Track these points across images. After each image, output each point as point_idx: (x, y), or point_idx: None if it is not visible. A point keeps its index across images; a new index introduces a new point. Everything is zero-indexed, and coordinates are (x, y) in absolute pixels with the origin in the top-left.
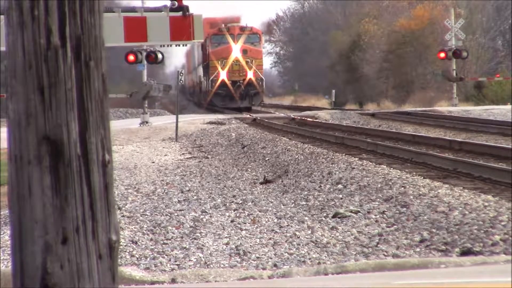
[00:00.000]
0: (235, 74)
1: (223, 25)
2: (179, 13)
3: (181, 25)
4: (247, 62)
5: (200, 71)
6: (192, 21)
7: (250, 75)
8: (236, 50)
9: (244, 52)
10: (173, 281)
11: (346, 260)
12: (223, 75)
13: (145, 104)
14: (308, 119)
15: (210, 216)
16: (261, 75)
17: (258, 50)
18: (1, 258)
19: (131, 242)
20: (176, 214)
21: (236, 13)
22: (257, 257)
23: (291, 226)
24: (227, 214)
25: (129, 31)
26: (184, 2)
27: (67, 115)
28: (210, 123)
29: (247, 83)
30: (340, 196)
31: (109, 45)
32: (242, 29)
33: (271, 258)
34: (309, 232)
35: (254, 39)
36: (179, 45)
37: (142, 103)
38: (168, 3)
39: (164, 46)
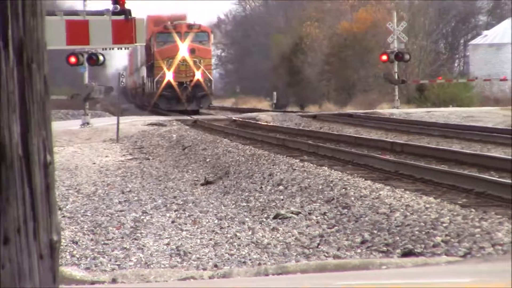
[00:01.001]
0: (182, 74)
1: (169, 23)
2: (122, 17)
3: (124, 29)
4: (194, 62)
5: (144, 71)
6: (134, 25)
7: (198, 76)
8: (183, 49)
9: (192, 51)
10: (114, 281)
11: (287, 261)
12: (169, 76)
13: (86, 106)
14: (249, 121)
15: (151, 217)
16: (210, 76)
17: (207, 49)
18: None
19: (71, 242)
20: (116, 214)
21: (182, 12)
22: (198, 258)
23: (232, 227)
24: (168, 215)
25: (71, 34)
26: (128, 2)
27: (9, 117)
28: (151, 124)
29: (195, 84)
30: (281, 197)
31: (51, 48)
32: (190, 26)
33: (211, 259)
34: (250, 233)
35: (203, 38)
36: (121, 48)
37: (83, 104)
38: (111, 7)
39: (106, 49)
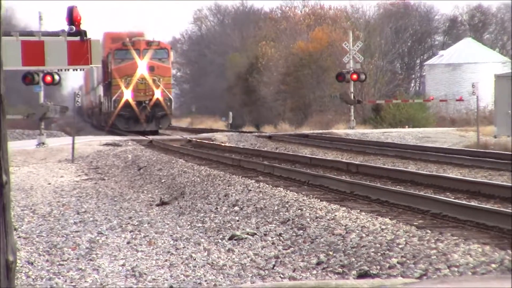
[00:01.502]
0: (141, 93)
1: (127, 39)
2: (77, 38)
3: (79, 50)
4: (154, 80)
5: (100, 90)
6: (89, 46)
7: (157, 94)
8: (142, 66)
9: (151, 69)
10: None
11: (242, 282)
12: (127, 95)
13: (42, 126)
14: (205, 141)
15: (106, 238)
16: (169, 95)
17: (167, 67)
18: None
19: (27, 263)
20: (72, 235)
21: (140, 29)
22: (153, 279)
23: (188, 248)
24: (123, 235)
25: (27, 55)
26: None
27: None
28: (107, 144)
29: (154, 103)
30: (237, 218)
31: (7, 69)
32: (149, 43)
33: (167, 280)
34: (206, 254)
35: (162, 55)
36: (76, 70)
37: (38, 124)
38: (66, 28)
39: (61, 70)
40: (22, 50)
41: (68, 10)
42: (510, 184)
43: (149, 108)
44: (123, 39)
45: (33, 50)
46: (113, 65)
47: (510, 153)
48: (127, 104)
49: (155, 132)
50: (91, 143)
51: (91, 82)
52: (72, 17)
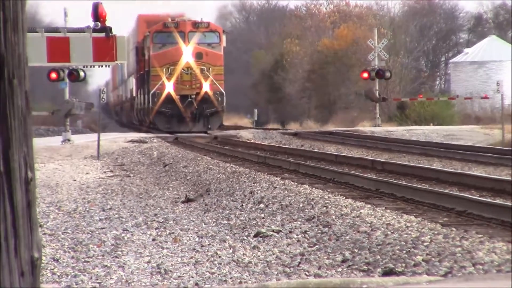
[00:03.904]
0: (186, 86)
1: (169, 19)
2: (102, 34)
3: (104, 46)
4: (202, 70)
5: (132, 83)
6: (115, 42)
7: (206, 87)
8: (187, 53)
9: (199, 56)
10: None
11: (267, 279)
12: (169, 88)
13: (67, 122)
14: (230, 138)
15: (132, 235)
16: (221, 88)
17: (218, 54)
18: None
19: (52, 260)
20: (97, 232)
21: (179, 11)
22: (179, 276)
23: (213, 245)
24: (149, 232)
25: (52, 51)
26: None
27: None
28: (132, 141)
29: (202, 98)
30: (262, 215)
31: (32, 65)
32: (196, 25)
33: (192, 277)
34: (231, 251)
35: (212, 39)
36: (101, 66)
37: (64, 121)
38: (92, 24)
39: (87, 66)
40: (47, 46)
41: (94, 6)
42: None
43: (195, 104)
44: (161, 21)
45: (58, 46)
46: (152, 51)
47: None
48: (169, 98)
49: (205, 133)
50: (116, 140)
51: (119, 76)
52: (98, 13)
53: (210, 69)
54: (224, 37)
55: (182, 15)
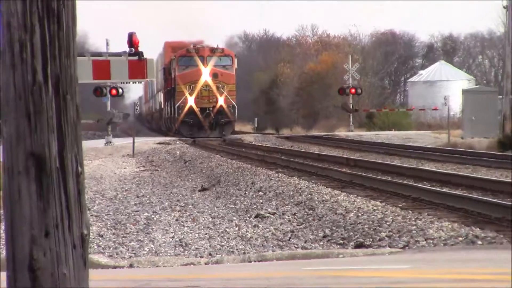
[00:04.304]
0: (205, 100)
1: (191, 46)
2: (136, 57)
3: (137, 67)
4: (217, 87)
5: (161, 97)
6: (146, 64)
7: (221, 101)
8: (206, 73)
9: (215, 76)
10: (131, 266)
11: (265, 251)
12: (191, 102)
13: (109, 128)
14: (236, 141)
15: (160, 216)
16: (233, 102)
17: (230, 74)
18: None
19: (98, 236)
20: (133, 214)
21: (199, 38)
22: (196, 248)
23: (223, 224)
24: (173, 214)
25: (96, 71)
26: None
27: (48, 136)
28: (159, 143)
29: (218, 110)
30: (261, 201)
31: (81, 83)
32: (213, 50)
33: (207, 249)
34: (237, 229)
35: (226, 62)
36: (135, 82)
37: (106, 127)
38: (127, 49)
39: (123, 83)
40: (93, 67)
41: (129, 36)
42: (474, 175)
43: (212, 115)
44: (184, 47)
45: (101, 67)
46: (177, 71)
47: (474, 150)
48: (191, 110)
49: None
50: (147, 142)
51: (150, 91)
52: (132, 41)
53: (224, 86)
54: (236, 60)
55: (201, 42)
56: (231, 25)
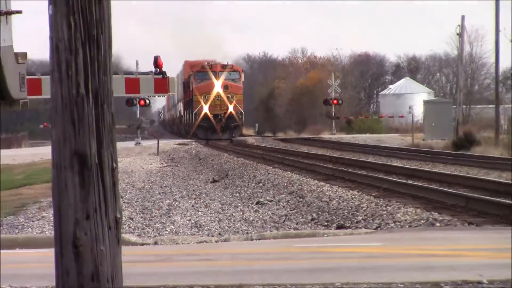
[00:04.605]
0: (217, 108)
1: (206, 63)
2: (160, 76)
3: (161, 84)
4: (228, 97)
5: (180, 106)
6: (168, 81)
7: (230, 109)
8: (218, 86)
9: (225, 87)
10: (155, 243)
11: (264, 231)
12: (206, 109)
13: (138, 132)
14: (241, 142)
15: (179, 203)
16: (241, 109)
17: (238, 86)
18: (47, 228)
19: (129, 219)
20: (157, 201)
21: (214, 58)
22: (208, 229)
23: (230, 209)
24: (189, 201)
25: (128, 86)
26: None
27: (89, 138)
28: (179, 144)
29: (228, 116)
30: (260, 190)
31: (115, 95)
32: (224, 66)
33: (217, 230)
34: (241, 213)
35: (235, 76)
36: (160, 96)
37: (136, 131)
38: (153, 70)
39: (150, 96)
40: (125, 83)
41: (154, 59)
42: (433, 170)
43: (224, 120)
44: (200, 65)
45: (132, 83)
46: (194, 84)
47: (433, 150)
48: (205, 116)
49: (230, 140)
50: (169, 143)
51: (171, 102)
52: (157, 63)
53: (234, 96)
54: (242, 75)
55: (214, 60)
56: (238, 47)
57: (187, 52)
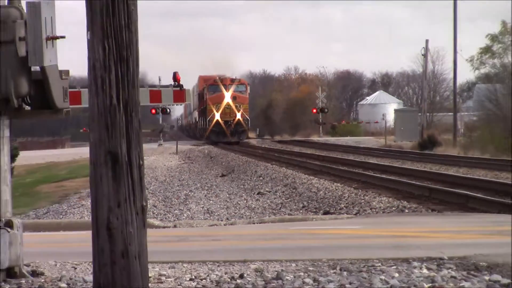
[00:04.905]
0: (227, 115)
1: (217, 78)
2: (178, 88)
3: (179, 94)
4: (236, 106)
5: (196, 114)
6: (184, 92)
7: (238, 116)
8: (227, 96)
9: (234, 98)
10: (175, 226)
11: (264, 216)
12: (217, 116)
13: (160, 135)
14: (245, 143)
15: (194, 193)
16: (247, 116)
17: (245, 97)
18: (86, 214)
19: (153, 206)
20: (176, 192)
21: (224, 73)
22: (218, 215)
23: (236, 199)
24: (203, 192)
25: (151, 97)
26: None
27: (120, 140)
28: (194, 145)
29: (236, 122)
30: (261, 183)
31: (141, 105)
32: (232, 80)
33: (225, 215)
34: (245, 201)
35: (242, 88)
36: (177, 104)
37: (159, 134)
38: (172, 83)
39: (170, 105)
40: (150, 94)
41: (173, 74)
42: (403, 166)
43: (232, 126)
44: (212, 79)
45: (155, 94)
46: (208, 95)
47: (402, 149)
48: (217, 122)
49: (237, 143)
50: (185, 145)
51: (188, 110)
52: (175, 77)
53: (241, 105)
54: (248, 87)
55: (224, 75)
56: (243, 64)
57: (201, 68)
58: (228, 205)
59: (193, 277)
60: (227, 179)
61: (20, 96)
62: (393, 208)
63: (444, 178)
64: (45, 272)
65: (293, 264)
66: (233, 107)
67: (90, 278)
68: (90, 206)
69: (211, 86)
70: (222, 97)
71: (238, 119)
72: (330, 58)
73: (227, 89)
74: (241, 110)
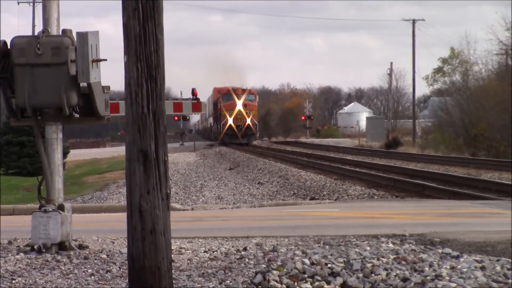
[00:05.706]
0: (238, 120)
1: (230, 88)
2: (196, 101)
3: (196, 105)
4: (246, 113)
5: (211, 120)
6: (201, 104)
7: (248, 121)
8: (239, 104)
9: (245, 106)
10: (192, 209)
11: (263, 201)
12: (230, 121)
13: (181, 137)
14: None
15: (207, 183)
16: (256, 122)
17: (254, 104)
18: (122, 199)
19: (175, 193)
20: (194, 182)
21: (237, 85)
22: (226, 200)
23: (240, 187)
24: (214, 182)
25: (174, 107)
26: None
27: (149, 141)
28: (208, 145)
29: (246, 126)
30: (260, 175)
31: (167, 114)
32: (243, 90)
33: (232, 200)
34: (248, 189)
35: (251, 97)
36: (195, 114)
37: (180, 137)
38: (191, 97)
39: (189, 114)
40: (173, 106)
41: (192, 90)
42: (372, 162)
43: (243, 129)
44: (226, 89)
45: (177, 105)
46: (222, 104)
47: (372, 149)
48: (230, 127)
49: (247, 144)
50: (201, 144)
51: (204, 117)
52: (193, 93)
53: (250, 112)
54: (257, 97)
55: (236, 86)
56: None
57: (214, 82)
58: (234, 193)
59: (207, 249)
60: (234, 172)
61: (71, 106)
62: (365, 195)
63: (405, 171)
64: (89, 246)
65: (286, 239)
66: (244, 113)
67: (125, 250)
68: (125, 193)
69: (225, 95)
70: (234, 105)
71: (248, 124)
72: (315, 76)
73: (239, 97)
74: (251, 116)
